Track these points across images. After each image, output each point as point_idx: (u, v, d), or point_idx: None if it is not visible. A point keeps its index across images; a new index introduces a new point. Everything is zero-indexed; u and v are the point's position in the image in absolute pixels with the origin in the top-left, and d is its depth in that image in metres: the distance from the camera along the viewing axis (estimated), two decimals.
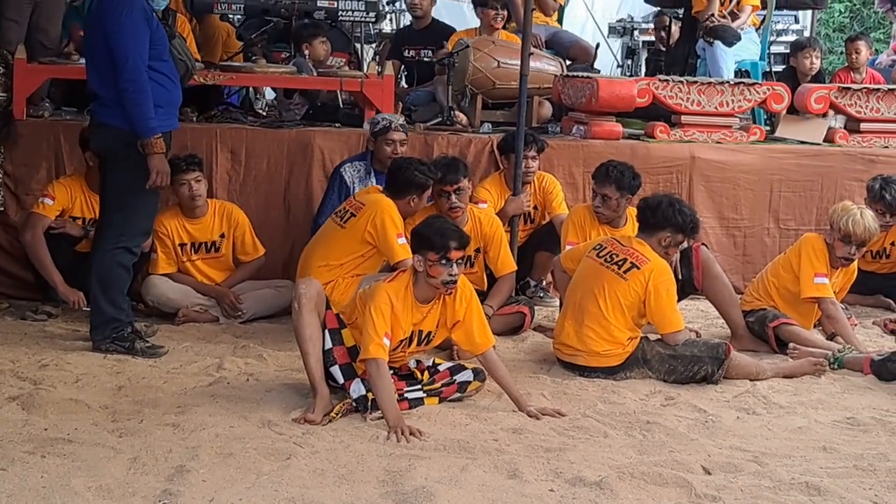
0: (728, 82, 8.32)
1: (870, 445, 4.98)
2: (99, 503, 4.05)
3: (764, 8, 9.94)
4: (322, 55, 8.74)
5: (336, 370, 5.23)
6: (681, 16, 10.47)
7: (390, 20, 12.98)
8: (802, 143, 8.46)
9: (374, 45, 11.70)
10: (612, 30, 13.97)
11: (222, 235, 7.00)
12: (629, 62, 13.43)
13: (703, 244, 6.78)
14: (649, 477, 4.41)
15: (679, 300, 6.14)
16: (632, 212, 6.70)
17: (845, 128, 8.56)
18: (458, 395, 5.39)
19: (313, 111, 8.28)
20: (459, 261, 5.21)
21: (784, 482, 4.43)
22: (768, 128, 8.82)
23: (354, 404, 5.14)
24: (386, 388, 5.02)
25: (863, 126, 8.46)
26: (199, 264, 6.98)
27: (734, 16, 9.47)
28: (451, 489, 4.24)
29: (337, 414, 5.05)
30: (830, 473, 4.57)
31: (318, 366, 5.18)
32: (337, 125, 7.91)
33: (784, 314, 6.57)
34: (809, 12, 12.51)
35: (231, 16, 10.19)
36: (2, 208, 7.13)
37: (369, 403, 5.09)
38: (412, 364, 5.48)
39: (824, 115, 8.55)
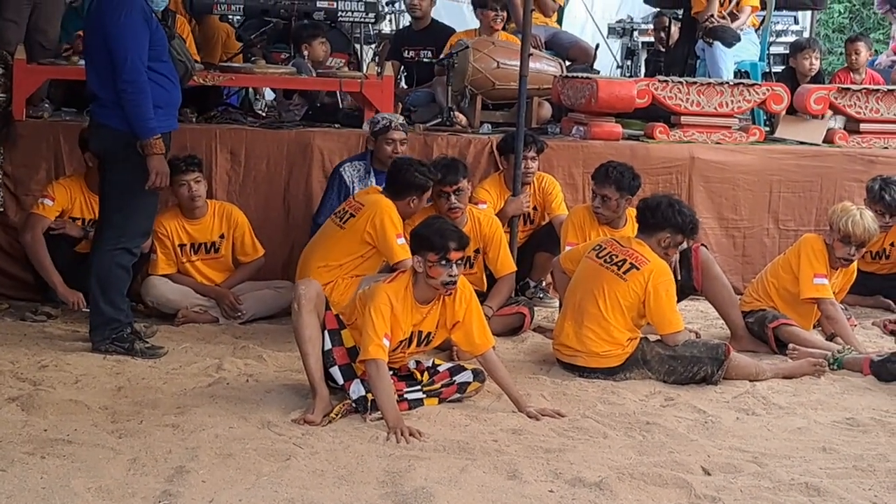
0: (727, 83, 8.32)
1: (869, 446, 4.98)
2: None
3: (763, 9, 9.94)
4: (321, 56, 8.75)
5: (336, 371, 5.23)
6: (680, 16, 10.47)
7: (390, 21, 12.99)
8: (802, 143, 8.46)
9: (373, 46, 11.72)
10: (612, 30, 13.98)
11: (222, 236, 7.00)
12: (629, 63, 13.44)
13: (702, 245, 6.78)
14: (649, 478, 4.42)
15: (678, 301, 6.14)
16: (631, 212, 6.70)
17: (845, 128, 8.56)
18: (457, 395, 5.39)
19: (313, 112, 8.28)
20: (459, 261, 5.21)
21: (784, 483, 4.43)
22: (768, 128, 8.83)
23: (354, 405, 5.14)
24: (385, 389, 5.02)
25: (862, 127, 8.46)
26: (198, 265, 6.98)
27: (733, 16, 9.48)
28: (451, 490, 4.24)
29: (336, 415, 5.05)
30: (830, 474, 4.57)
31: (318, 366, 5.18)
32: (336, 126, 7.91)
33: (783, 315, 6.57)
34: (809, 13, 12.51)
35: (230, 16, 10.20)
36: (1, 209, 7.13)
37: (369, 404, 5.09)
38: (412, 365, 5.48)
39: (824, 116, 8.56)
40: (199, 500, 4.11)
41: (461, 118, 8.16)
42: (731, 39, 9.22)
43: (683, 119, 8.15)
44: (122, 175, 5.93)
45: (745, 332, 6.61)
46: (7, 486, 4.14)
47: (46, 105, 7.62)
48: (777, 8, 10.46)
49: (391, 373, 5.20)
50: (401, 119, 7.22)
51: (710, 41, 9.28)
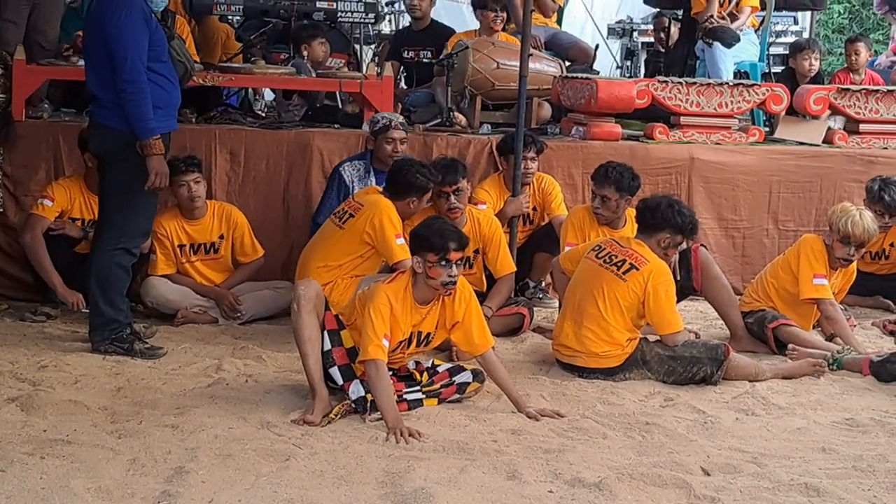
0: (727, 83, 8.32)
1: (869, 446, 4.98)
2: None
3: (763, 9, 9.95)
4: (321, 56, 8.75)
5: (335, 371, 5.23)
6: (680, 17, 10.47)
7: (389, 21, 12.99)
8: (801, 144, 8.47)
9: (373, 46, 11.72)
10: (612, 31, 13.98)
11: (221, 237, 7.00)
12: (628, 63, 13.44)
13: (702, 245, 6.78)
14: (648, 478, 4.42)
15: (678, 301, 6.15)
16: (631, 213, 6.70)
17: (844, 129, 8.56)
18: (457, 396, 5.39)
19: (312, 112, 8.29)
20: (458, 262, 5.21)
21: (783, 483, 4.43)
22: (767, 129, 8.83)
23: (353, 405, 5.14)
24: (385, 390, 5.02)
25: (862, 127, 8.46)
26: (198, 265, 6.98)
27: (733, 17, 9.48)
28: (451, 490, 4.24)
29: (336, 415, 5.05)
30: (829, 474, 4.57)
31: (318, 367, 5.18)
32: (336, 126, 7.91)
33: (783, 315, 6.57)
34: (808, 13, 12.51)
35: (230, 17, 10.20)
36: (1, 210, 7.13)
37: (368, 405, 5.09)
38: (411, 365, 5.48)
39: (823, 117, 8.57)
40: (198, 500, 4.11)
41: (461, 118, 8.16)
42: (730, 40, 9.22)
43: (683, 119, 8.16)
44: (122, 175, 5.93)
45: (744, 333, 6.61)
46: (7, 487, 4.14)
47: (46, 105, 7.61)
48: (777, 8, 10.47)
49: (390, 373, 5.20)
50: (400, 118, 7.22)
51: (710, 42, 9.28)
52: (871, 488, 4.45)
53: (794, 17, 13.15)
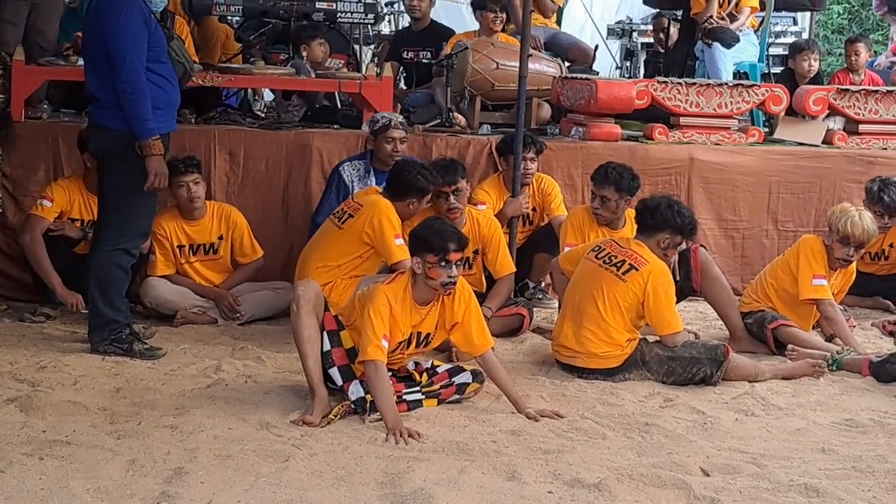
0: (727, 84, 8.32)
1: (868, 447, 4.98)
2: None
3: (762, 9, 9.95)
4: (320, 57, 8.75)
5: (335, 372, 5.23)
6: (679, 17, 10.47)
7: (389, 22, 12.98)
8: (801, 144, 8.47)
9: (372, 47, 11.71)
10: (611, 31, 13.98)
11: (220, 237, 7.00)
12: (628, 64, 13.44)
13: (701, 246, 6.78)
14: (648, 479, 4.41)
15: (678, 302, 6.15)
16: (630, 213, 6.69)
17: (844, 129, 8.56)
18: (456, 396, 5.39)
19: (312, 113, 8.28)
20: (458, 262, 5.21)
21: (783, 484, 4.43)
22: (767, 129, 8.83)
23: (353, 406, 5.13)
24: (384, 390, 5.02)
25: (861, 128, 8.46)
26: (197, 266, 6.97)
27: (733, 17, 9.48)
28: (450, 491, 4.24)
29: (335, 416, 5.04)
30: (829, 475, 4.57)
31: (317, 367, 5.17)
32: (335, 126, 7.91)
33: (783, 316, 6.57)
34: (808, 14, 12.51)
35: (229, 17, 10.20)
36: (0, 210, 7.12)
37: (368, 405, 5.08)
38: (411, 366, 5.48)
39: (824, 118, 8.57)
40: (197, 501, 4.10)
41: (460, 119, 8.16)
42: (730, 40, 9.22)
43: (682, 120, 8.15)
44: (121, 176, 5.92)
45: (743, 333, 6.61)
46: (6, 488, 4.13)
47: (45, 106, 7.61)
48: (776, 9, 10.47)
49: (390, 374, 5.20)
50: (400, 118, 7.22)
51: (710, 42, 9.28)
52: (871, 489, 4.45)
53: (794, 18, 13.16)
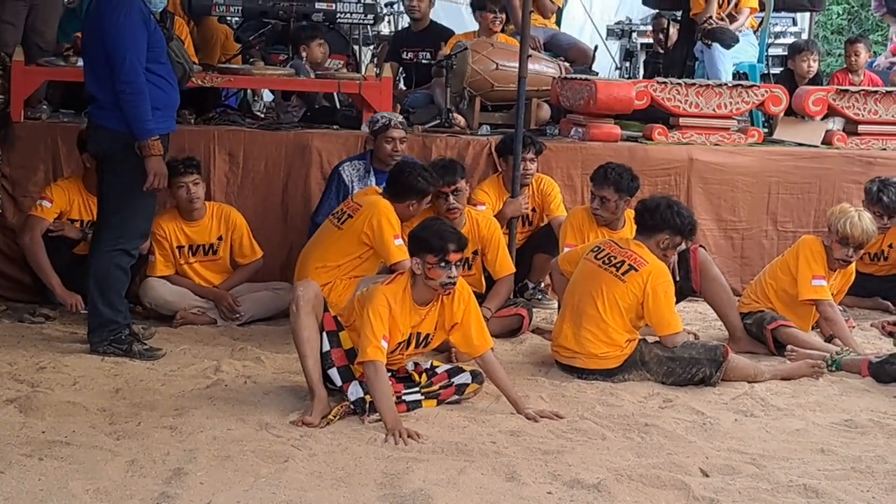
0: (726, 84, 8.33)
1: (867, 448, 4.98)
2: None
3: (762, 10, 9.94)
4: (320, 57, 8.74)
5: (334, 372, 5.23)
6: (679, 18, 10.47)
7: (388, 22, 12.98)
8: (800, 145, 8.47)
9: (372, 48, 11.70)
10: (611, 32, 13.97)
11: (220, 238, 7.00)
12: (627, 64, 13.43)
13: (701, 246, 6.78)
14: (647, 479, 4.42)
15: (677, 302, 6.15)
16: (630, 214, 6.69)
17: (843, 130, 8.56)
18: (456, 397, 5.39)
19: (311, 113, 8.28)
20: (458, 263, 5.21)
21: (782, 484, 4.43)
22: (766, 130, 8.83)
23: (352, 407, 5.13)
24: (384, 391, 5.02)
25: (861, 128, 8.46)
26: (196, 267, 6.97)
27: (732, 18, 9.48)
28: (449, 491, 4.24)
29: (335, 416, 5.04)
30: (828, 476, 4.57)
31: (316, 368, 5.17)
32: (335, 127, 7.91)
33: (782, 316, 6.57)
34: (807, 14, 12.51)
35: (229, 18, 10.19)
36: (0, 211, 7.12)
37: (367, 406, 5.09)
38: (410, 366, 5.48)
39: (823, 118, 8.57)
40: (196, 501, 4.10)
41: (460, 120, 8.16)
42: (729, 41, 9.22)
43: (682, 120, 8.16)
44: (121, 176, 5.92)
45: (743, 334, 6.61)
46: (5, 488, 4.13)
47: (44, 106, 7.61)
48: (775, 9, 10.47)
49: (389, 374, 5.20)
50: (400, 118, 7.22)
51: (709, 43, 9.28)
52: (870, 489, 4.45)
53: (793, 18, 13.15)
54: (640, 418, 5.26)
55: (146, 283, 6.83)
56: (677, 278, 6.33)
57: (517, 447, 4.80)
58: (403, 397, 5.24)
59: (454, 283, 5.21)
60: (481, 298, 6.39)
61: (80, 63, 6.62)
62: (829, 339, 6.64)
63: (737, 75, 9.49)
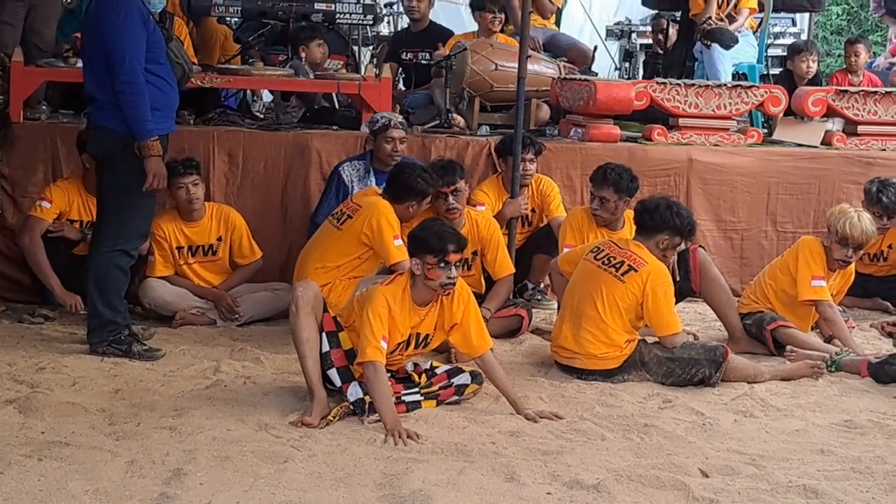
0: (725, 85, 8.33)
1: (867, 448, 4.98)
2: None
3: (761, 11, 9.94)
4: (319, 58, 8.74)
5: (333, 373, 5.23)
6: (678, 18, 10.47)
7: (388, 23, 12.98)
8: (800, 145, 8.47)
9: (371, 48, 11.70)
10: (610, 32, 13.97)
11: (219, 238, 6.99)
12: (627, 65, 13.44)
13: (700, 247, 6.78)
14: (647, 480, 4.42)
15: (676, 303, 6.14)
16: (629, 214, 6.69)
17: (843, 131, 8.56)
18: (455, 397, 5.39)
19: (310, 114, 8.28)
20: (457, 263, 5.21)
21: (781, 485, 4.43)
22: (766, 130, 8.84)
23: (352, 407, 5.13)
24: (383, 392, 5.02)
25: (860, 129, 8.46)
26: (196, 267, 6.97)
27: (731, 18, 9.48)
28: (449, 492, 4.24)
29: (334, 417, 5.04)
30: (828, 476, 4.57)
31: (316, 369, 5.17)
32: (334, 128, 7.90)
33: (781, 317, 6.57)
34: (807, 15, 12.51)
35: (228, 18, 10.19)
36: None
37: (367, 406, 5.08)
38: (409, 367, 5.48)
39: (822, 118, 8.57)
40: (196, 502, 4.10)
41: (459, 120, 8.16)
42: (728, 41, 9.22)
43: (681, 121, 8.16)
44: (120, 177, 5.92)
45: (742, 334, 6.61)
46: (4, 489, 4.13)
47: (44, 107, 7.61)
48: (775, 10, 10.47)
49: (389, 375, 5.20)
50: (400, 118, 7.22)
51: (708, 43, 9.28)
52: (870, 490, 4.45)
53: (793, 19, 13.15)
54: (640, 419, 5.26)
55: (145, 283, 6.83)
56: (677, 279, 6.33)
57: (517, 448, 4.80)
58: (403, 398, 5.24)
59: (454, 284, 5.21)
60: (481, 299, 6.39)
61: (80, 64, 6.62)
62: (828, 340, 6.64)
63: (736, 76, 9.49)
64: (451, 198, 6.62)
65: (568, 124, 8.33)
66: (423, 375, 5.45)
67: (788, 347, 6.37)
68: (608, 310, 5.80)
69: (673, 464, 4.64)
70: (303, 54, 8.54)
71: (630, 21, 13.89)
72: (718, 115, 8.20)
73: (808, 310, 6.66)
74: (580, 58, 9.69)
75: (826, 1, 14.84)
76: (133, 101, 5.74)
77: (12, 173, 7.19)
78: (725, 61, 9.26)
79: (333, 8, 8.80)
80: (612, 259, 5.88)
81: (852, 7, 18.98)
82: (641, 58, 13.09)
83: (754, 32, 9.90)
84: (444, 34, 9.49)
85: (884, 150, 8.43)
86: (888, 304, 7.71)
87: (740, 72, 9.63)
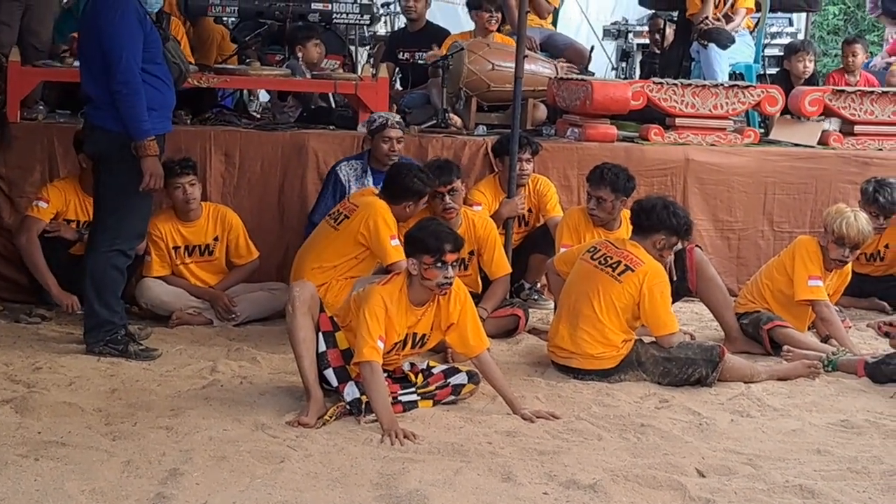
0: (722, 85, 8.32)
1: (864, 448, 4.98)
2: None
3: (758, 10, 9.94)
4: (316, 57, 8.74)
5: (330, 373, 5.23)
6: (675, 18, 10.47)
7: (385, 22, 12.98)
8: (796, 145, 8.47)
9: (368, 48, 11.71)
10: (607, 32, 13.98)
11: (216, 238, 6.99)
12: (623, 65, 13.45)
13: (697, 246, 6.77)
14: (643, 479, 4.42)
15: (673, 302, 6.15)
16: (626, 214, 6.70)
17: (839, 130, 8.57)
18: (452, 397, 5.39)
19: (307, 114, 8.28)
20: (454, 263, 5.21)
21: (778, 485, 4.43)
22: (762, 130, 8.84)
23: (348, 407, 5.13)
24: (380, 391, 5.02)
25: (857, 129, 8.46)
26: (192, 267, 6.97)
27: (728, 18, 9.47)
28: (445, 492, 4.24)
29: (331, 417, 5.04)
30: (824, 476, 4.57)
31: (312, 368, 5.17)
32: (331, 127, 7.90)
33: (778, 316, 6.58)
34: (804, 15, 12.52)
35: (225, 18, 10.18)
36: None
37: (363, 406, 5.08)
38: (406, 367, 5.48)
39: (819, 118, 8.58)
40: (192, 502, 4.11)
41: (456, 120, 8.16)
42: (725, 41, 9.22)
43: (678, 121, 8.15)
44: (117, 177, 5.92)
45: (739, 334, 6.61)
46: (1, 489, 4.13)
47: (41, 107, 7.61)
48: (772, 10, 10.47)
49: (385, 375, 5.20)
50: (397, 117, 7.22)
51: (705, 43, 9.27)
52: (866, 490, 4.46)
53: (789, 19, 13.16)
54: (637, 419, 5.26)
55: (142, 283, 6.83)
56: (673, 278, 6.33)
57: (513, 448, 4.80)
58: (399, 398, 5.24)
59: (450, 284, 5.21)
60: (478, 299, 6.39)
61: (76, 64, 6.61)
62: (825, 340, 6.65)
63: (733, 76, 9.49)
64: (447, 197, 6.62)
65: (565, 124, 8.33)
66: (420, 375, 5.45)
67: (785, 347, 6.38)
68: (605, 310, 5.80)
69: (669, 463, 4.64)
70: (299, 54, 8.54)
71: (627, 21, 13.90)
72: (715, 114, 8.20)
73: (805, 310, 6.66)
74: (577, 58, 9.69)
75: (823, 1, 14.85)
76: (130, 101, 5.74)
77: (9, 173, 7.19)
78: (722, 61, 9.26)
79: (330, 8, 8.80)
80: (608, 259, 5.89)
81: (849, 7, 18.99)
82: (638, 58, 13.10)
83: (751, 32, 9.90)
84: (440, 34, 9.49)
85: (880, 149, 8.43)
86: (885, 303, 7.70)
87: (737, 71, 9.63)
